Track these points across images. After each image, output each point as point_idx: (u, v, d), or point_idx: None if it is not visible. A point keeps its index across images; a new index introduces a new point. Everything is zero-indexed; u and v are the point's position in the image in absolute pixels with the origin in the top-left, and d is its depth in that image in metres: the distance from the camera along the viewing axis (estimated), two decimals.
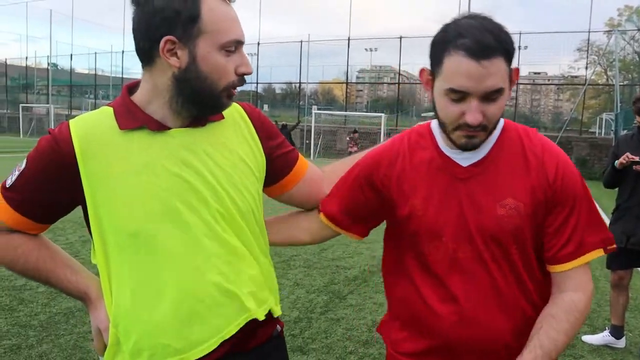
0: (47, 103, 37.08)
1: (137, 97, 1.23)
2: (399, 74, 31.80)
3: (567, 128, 22.29)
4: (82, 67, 44.48)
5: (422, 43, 28.63)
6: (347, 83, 31.72)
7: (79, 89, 42.92)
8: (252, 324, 1.26)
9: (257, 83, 34.10)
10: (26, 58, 44.13)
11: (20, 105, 38.90)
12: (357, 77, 45.30)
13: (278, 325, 1.39)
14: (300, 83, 32.10)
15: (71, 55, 40.48)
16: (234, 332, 1.22)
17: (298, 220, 1.54)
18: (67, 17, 39.28)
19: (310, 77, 32.11)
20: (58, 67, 43.58)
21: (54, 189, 1.19)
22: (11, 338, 3.73)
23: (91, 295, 1.28)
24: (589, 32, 23.88)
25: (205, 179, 1.21)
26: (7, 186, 1.22)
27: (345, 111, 30.60)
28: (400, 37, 27.08)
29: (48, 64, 40.36)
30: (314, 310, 4.52)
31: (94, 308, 1.28)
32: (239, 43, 1.18)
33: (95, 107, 38.89)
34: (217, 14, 1.16)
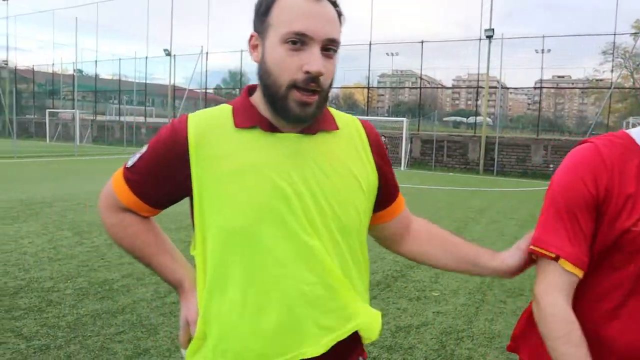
0: (73, 108, 37.72)
1: (254, 98, 1.24)
2: (421, 78, 31.66)
3: (593, 132, 21.93)
4: (106, 73, 45.24)
5: (444, 47, 28.52)
6: (368, 88, 31.70)
7: (104, 95, 43.62)
8: (338, 347, 1.21)
9: None
10: (52, 64, 45.07)
11: (47, 110, 39.70)
12: (379, 82, 45.21)
13: (361, 358, 1.33)
14: None
15: (96, 61, 41.21)
16: (322, 352, 1.18)
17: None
18: (92, 24, 40.03)
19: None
20: (83, 73, 44.36)
21: (166, 176, 1.21)
22: (40, 338, 3.79)
23: (185, 286, 1.30)
24: (615, 34, 23.46)
25: (310, 187, 1.17)
26: (128, 166, 1.26)
27: (367, 115, 30.56)
28: (422, 42, 26.97)
29: (74, 70, 41.09)
30: None
31: (185, 299, 1.29)
32: (303, 36, 1.09)
33: (119, 112, 39.59)
34: (287, 5, 1.12)
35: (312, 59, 1.09)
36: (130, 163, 1.26)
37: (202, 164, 1.17)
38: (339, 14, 1.17)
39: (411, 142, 24.83)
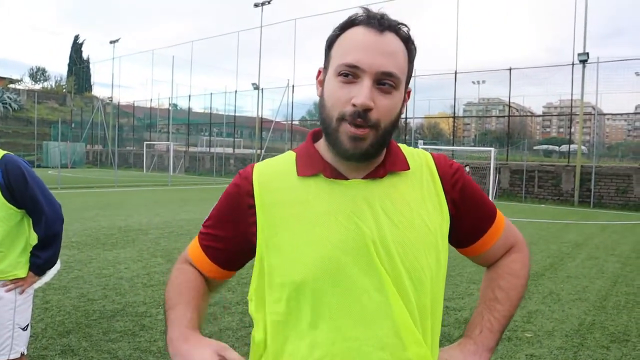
0: (168, 140, 40.10)
1: (319, 143, 1.20)
2: (509, 106, 30.66)
3: None
4: (198, 106, 48.00)
5: (533, 73, 27.49)
6: (454, 117, 31.12)
7: (195, 127, 45.98)
8: None
9: None
10: (151, 100, 48.34)
11: (145, 142, 42.41)
12: (464, 111, 44.35)
13: None
14: (406, 118, 32.03)
15: (189, 96, 43.66)
16: None
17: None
18: (187, 62, 42.66)
19: (416, 112, 31.97)
20: (178, 107, 47.18)
21: (231, 225, 1.19)
22: None
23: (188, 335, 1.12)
24: None
25: (378, 239, 1.10)
26: (204, 222, 1.26)
27: (453, 145, 29.96)
28: (510, 69, 26.22)
29: (169, 104, 43.83)
30: None
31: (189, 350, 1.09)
32: (354, 68, 1.07)
33: (209, 143, 41.35)
34: (347, 38, 1.10)
35: (360, 92, 1.05)
36: (205, 222, 1.26)
37: (266, 214, 1.14)
38: (409, 50, 1.13)
39: (499, 173, 23.97)
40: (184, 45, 58.35)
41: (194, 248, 1.26)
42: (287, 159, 1.21)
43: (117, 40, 39.38)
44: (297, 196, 1.14)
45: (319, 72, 1.19)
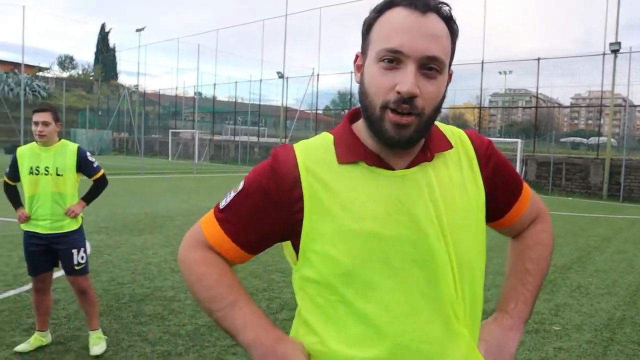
0: (193, 129, 40.43)
1: (357, 125, 1.15)
2: (537, 97, 30.11)
3: None
4: (223, 95, 48.21)
5: (562, 64, 26.96)
6: (480, 108, 30.70)
7: (220, 116, 46.27)
8: None
9: None
10: (176, 88, 48.71)
11: (170, 130, 42.84)
12: (490, 101, 43.74)
13: None
14: None
15: (214, 84, 43.86)
16: None
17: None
18: (212, 50, 42.71)
19: None
20: (203, 95, 47.47)
21: (270, 213, 1.12)
22: (163, 345, 4.04)
23: (281, 342, 1.12)
24: None
25: (426, 227, 1.07)
26: (221, 207, 1.17)
27: None
28: (538, 59, 25.71)
29: (194, 93, 44.13)
30: None
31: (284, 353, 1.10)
32: (397, 53, 1.01)
33: (234, 132, 41.53)
34: (387, 21, 1.05)
35: (404, 79, 1.01)
36: (223, 203, 1.17)
37: (313, 202, 1.09)
38: (452, 31, 1.08)
39: (526, 165, 23.61)
40: (209, 33, 58.73)
41: (214, 233, 1.16)
42: (325, 143, 1.15)
43: (142, 29, 39.58)
44: (341, 185, 1.09)
45: (357, 56, 1.13)
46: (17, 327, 4.26)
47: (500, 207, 1.26)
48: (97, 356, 3.78)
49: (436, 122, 1.19)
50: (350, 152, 1.11)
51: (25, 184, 3.85)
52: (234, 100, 44.07)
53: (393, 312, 1.07)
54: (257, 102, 41.48)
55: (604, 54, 22.92)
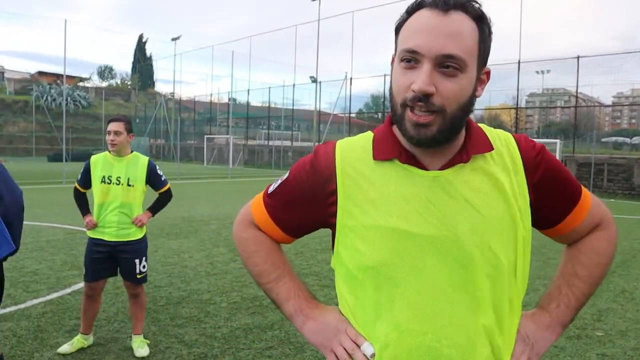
0: (227, 134, 40.95)
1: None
2: (576, 96, 29.35)
3: None
4: (257, 100, 48.66)
5: (603, 62, 26.17)
6: (517, 108, 30.11)
7: (254, 121, 46.76)
8: None
9: None
10: (211, 95, 49.54)
11: (205, 136, 43.51)
12: (527, 102, 42.88)
13: None
14: None
15: (248, 90, 44.39)
16: None
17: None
18: (245, 57, 43.25)
19: (477, 103, 31.13)
20: (237, 101, 48.09)
21: (307, 203, 1.19)
22: (199, 347, 4.08)
23: (325, 310, 1.24)
24: None
25: (455, 229, 1.07)
26: (269, 192, 1.27)
27: None
28: (578, 57, 25.07)
29: (229, 99, 44.73)
30: None
31: (325, 321, 1.20)
32: (414, 53, 1.03)
33: (268, 137, 41.92)
34: (411, 23, 1.07)
35: (418, 77, 1.02)
36: (271, 188, 1.27)
37: (347, 198, 1.13)
38: (481, 28, 1.07)
39: (565, 166, 23.05)
40: (242, 40, 59.57)
41: (260, 215, 1.27)
42: (366, 141, 1.19)
43: (178, 38, 40.44)
44: (374, 181, 1.12)
45: (393, 58, 1.15)
46: (60, 329, 4.38)
47: (552, 215, 1.21)
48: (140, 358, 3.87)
49: (483, 125, 1.19)
50: (386, 149, 1.14)
51: (96, 192, 3.99)
52: (267, 105, 44.47)
53: (416, 311, 1.07)
54: (290, 107, 41.76)
55: None
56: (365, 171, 1.14)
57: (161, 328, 4.48)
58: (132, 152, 4.10)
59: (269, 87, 43.49)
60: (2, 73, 58.61)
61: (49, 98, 51.08)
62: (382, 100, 37.33)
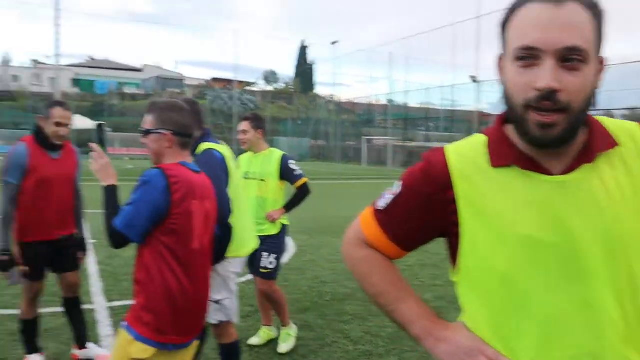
0: (385, 135, 41.29)
1: (510, 127, 1.11)
2: None
3: None
4: (414, 102, 48.29)
5: None
6: None
7: (412, 122, 46.50)
8: None
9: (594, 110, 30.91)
10: (369, 96, 50.32)
11: (363, 137, 44.34)
12: None
13: None
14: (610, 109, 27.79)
15: (406, 91, 44.32)
16: None
17: None
18: (402, 58, 43.35)
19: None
20: (394, 102, 48.25)
21: (425, 213, 1.15)
22: (364, 344, 4.17)
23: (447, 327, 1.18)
24: None
25: (583, 242, 1.00)
26: (379, 207, 1.23)
27: None
28: None
29: (387, 100, 45.12)
30: None
31: (454, 339, 1.13)
32: (532, 50, 0.97)
33: (427, 139, 41.58)
34: (520, 17, 1.01)
35: (542, 75, 0.96)
36: (381, 204, 1.22)
37: (469, 202, 1.08)
38: (596, 16, 1.00)
39: None
40: (399, 42, 59.50)
41: (373, 232, 1.23)
42: (478, 145, 1.13)
43: (336, 42, 41.82)
44: (495, 189, 1.06)
45: (500, 58, 1.09)
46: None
47: None
48: (284, 353, 3.96)
49: (603, 118, 1.11)
50: (503, 155, 1.08)
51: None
52: (425, 106, 43.94)
53: (543, 326, 1.02)
54: (450, 108, 40.75)
55: None
56: (484, 179, 1.08)
57: (328, 322, 4.65)
58: (268, 147, 4.22)
59: (427, 88, 43.04)
60: (182, 80, 65.68)
61: (221, 102, 56.02)
62: None
